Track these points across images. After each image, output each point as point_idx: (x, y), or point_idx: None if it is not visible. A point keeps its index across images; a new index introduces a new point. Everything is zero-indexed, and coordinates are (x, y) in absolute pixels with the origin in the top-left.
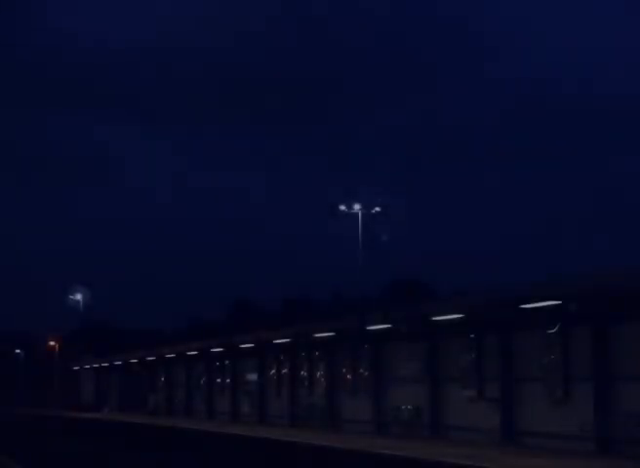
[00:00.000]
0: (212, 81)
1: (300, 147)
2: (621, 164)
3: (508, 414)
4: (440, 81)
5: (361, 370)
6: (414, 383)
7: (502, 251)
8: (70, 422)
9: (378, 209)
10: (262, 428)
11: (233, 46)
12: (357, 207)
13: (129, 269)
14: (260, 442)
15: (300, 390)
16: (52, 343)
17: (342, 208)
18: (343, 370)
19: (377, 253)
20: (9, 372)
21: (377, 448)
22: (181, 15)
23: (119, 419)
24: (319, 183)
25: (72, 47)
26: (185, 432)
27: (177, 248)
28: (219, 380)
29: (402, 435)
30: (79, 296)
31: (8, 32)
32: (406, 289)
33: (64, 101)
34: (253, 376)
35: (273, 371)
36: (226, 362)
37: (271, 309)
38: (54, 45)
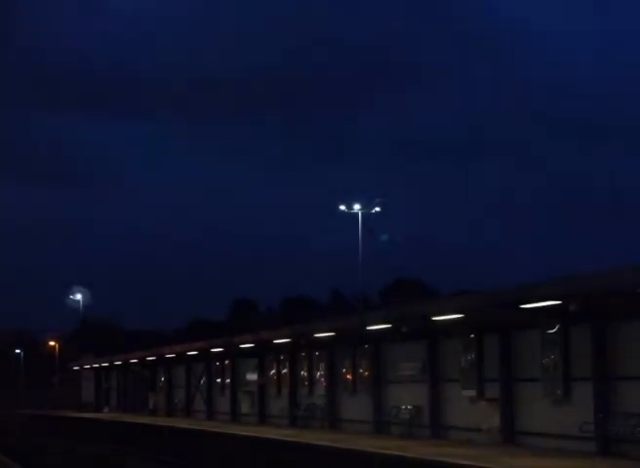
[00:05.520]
0: (210, 81)
1: (300, 147)
2: (622, 163)
3: (508, 414)
4: (438, 81)
5: (361, 370)
6: (414, 383)
7: (502, 251)
8: (70, 422)
9: (378, 209)
10: (263, 428)
11: (229, 47)
12: (357, 207)
13: (129, 269)
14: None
15: (300, 390)
16: (52, 343)
17: (342, 208)
18: (343, 370)
19: (377, 253)
20: (9, 372)
21: (377, 449)
22: (181, 15)
23: (123, 420)
24: (319, 183)
25: (71, 46)
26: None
27: (177, 248)
28: (219, 380)
29: (402, 435)
30: (79, 296)
31: (6, 34)
32: (406, 289)
33: (64, 102)
34: (253, 376)
35: (273, 371)
36: (226, 362)
37: (271, 309)
38: (53, 45)
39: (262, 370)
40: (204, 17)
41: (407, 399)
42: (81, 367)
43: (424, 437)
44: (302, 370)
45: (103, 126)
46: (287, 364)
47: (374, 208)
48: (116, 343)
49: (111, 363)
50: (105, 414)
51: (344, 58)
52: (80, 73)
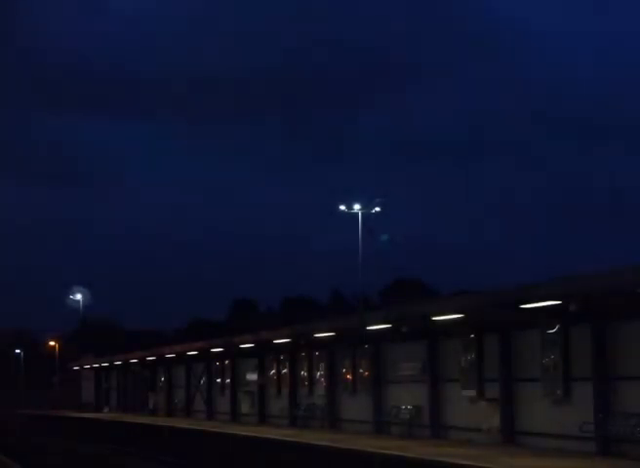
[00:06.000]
0: (210, 81)
1: (300, 147)
2: (622, 163)
3: (508, 414)
4: (438, 81)
5: (361, 370)
6: (414, 383)
7: (502, 251)
8: (70, 422)
9: (378, 209)
10: (263, 428)
11: (229, 47)
12: (357, 207)
13: (129, 269)
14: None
15: (300, 390)
16: (52, 343)
17: (342, 208)
18: (343, 370)
19: (377, 253)
20: (9, 372)
21: (377, 449)
22: (181, 15)
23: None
24: (319, 183)
25: (71, 46)
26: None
27: (177, 248)
28: (219, 380)
29: (402, 435)
30: (79, 296)
31: (6, 34)
32: (406, 289)
33: (64, 102)
34: (253, 376)
35: (273, 371)
36: (226, 362)
37: (271, 309)
38: (53, 45)
39: (262, 370)
40: (204, 17)
41: (407, 399)
42: (81, 367)
43: (424, 437)
44: (302, 370)
45: (103, 126)
46: (287, 364)
47: (374, 208)
48: (116, 343)
49: (111, 363)
50: (105, 414)
51: (344, 58)
52: (80, 73)
